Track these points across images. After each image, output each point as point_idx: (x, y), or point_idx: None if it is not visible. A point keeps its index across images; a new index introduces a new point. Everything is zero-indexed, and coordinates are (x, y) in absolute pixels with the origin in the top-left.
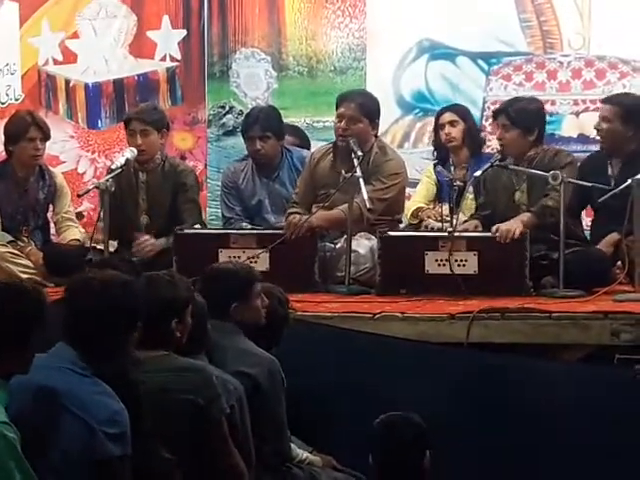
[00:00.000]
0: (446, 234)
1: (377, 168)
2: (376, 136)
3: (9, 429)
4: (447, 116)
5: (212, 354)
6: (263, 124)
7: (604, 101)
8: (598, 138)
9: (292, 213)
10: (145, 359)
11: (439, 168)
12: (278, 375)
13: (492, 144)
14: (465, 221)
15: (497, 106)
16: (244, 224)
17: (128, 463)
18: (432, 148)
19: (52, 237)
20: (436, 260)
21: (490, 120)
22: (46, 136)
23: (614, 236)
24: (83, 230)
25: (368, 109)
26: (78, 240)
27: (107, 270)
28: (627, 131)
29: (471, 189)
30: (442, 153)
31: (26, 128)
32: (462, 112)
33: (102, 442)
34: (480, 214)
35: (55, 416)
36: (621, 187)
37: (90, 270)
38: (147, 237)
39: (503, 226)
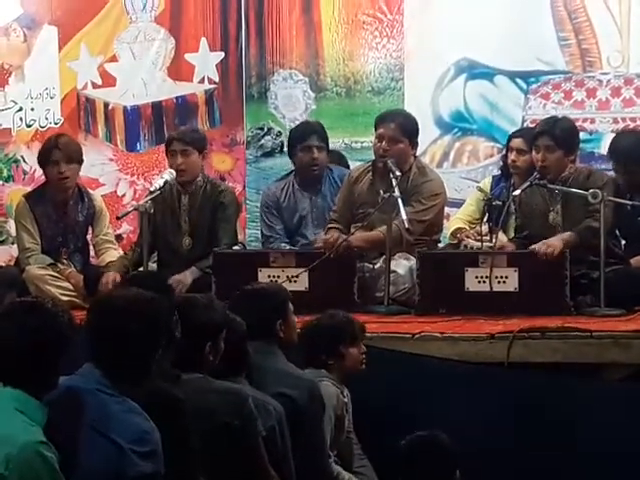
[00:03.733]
0: (487, 250)
1: (416, 188)
2: (415, 156)
3: (48, 449)
4: (517, 143)
5: (252, 376)
6: (320, 135)
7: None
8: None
9: (331, 229)
10: (181, 381)
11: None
12: (318, 396)
13: None
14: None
15: (536, 126)
16: (282, 245)
17: None
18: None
19: (91, 259)
20: (476, 277)
21: None
22: (71, 158)
23: None
24: (122, 252)
25: (408, 129)
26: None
27: (132, 288)
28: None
29: (512, 209)
30: (507, 171)
31: (49, 151)
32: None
33: (132, 461)
34: (518, 236)
35: (83, 436)
36: None
37: (115, 289)
38: (176, 277)
39: (543, 244)
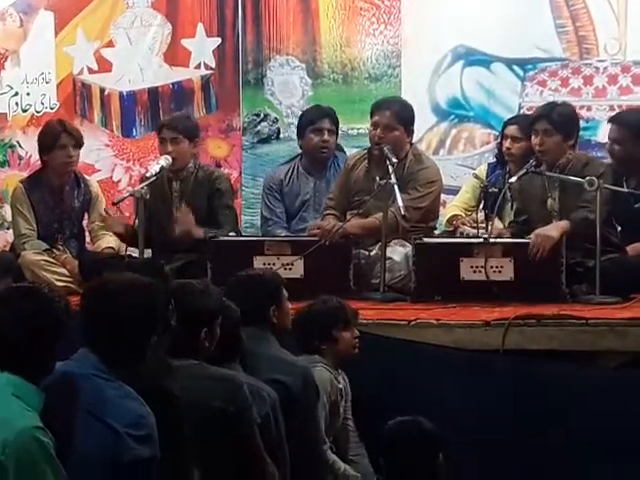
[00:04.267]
0: (481, 240)
1: (412, 176)
2: (411, 143)
3: (44, 434)
4: (512, 130)
5: (246, 362)
6: (333, 119)
7: (611, 121)
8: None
9: (327, 216)
10: (175, 368)
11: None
12: (312, 383)
13: None
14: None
15: (534, 112)
16: (280, 230)
17: (157, 466)
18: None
19: (87, 245)
20: (471, 267)
21: None
22: (78, 143)
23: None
24: (117, 238)
25: (403, 116)
26: (112, 248)
27: (127, 273)
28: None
29: (508, 195)
30: (500, 159)
31: (57, 136)
32: (527, 128)
33: (128, 445)
34: (517, 220)
35: (79, 421)
36: None
37: (107, 273)
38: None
39: (540, 233)
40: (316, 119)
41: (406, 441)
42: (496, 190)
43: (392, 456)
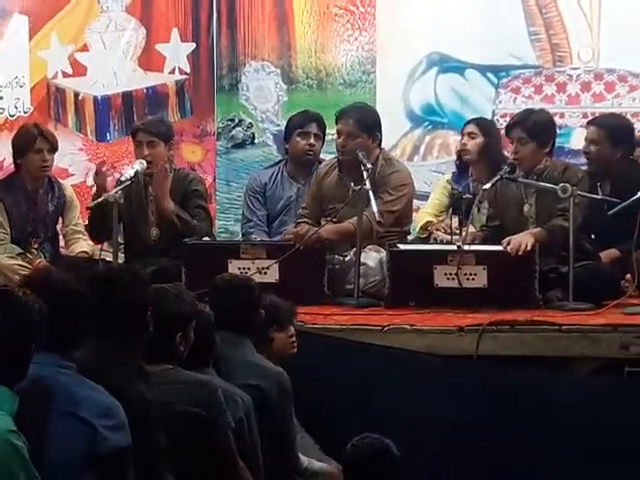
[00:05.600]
0: (455, 248)
1: (384, 180)
2: (380, 148)
3: (18, 437)
4: (469, 127)
5: (220, 367)
6: (320, 124)
7: (590, 123)
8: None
9: (300, 224)
10: (150, 373)
11: (448, 177)
12: (287, 387)
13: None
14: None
15: (508, 120)
16: (259, 234)
17: (130, 454)
18: (442, 161)
19: (61, 249)
20: (445, 274)
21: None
22: (53, 147)
23: (614, 252)
24: (92, 243)
25: (366, 124)
26: (86, 252)
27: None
28: (615, 152)
29: (486, 203)
30: (462, 164)
31: (33, 140)
32: (485, 126)
33: (103, 436)
34: (488, 225)
35: (52, 422)
36: (632, 199)
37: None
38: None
39: (515, 239)
40: (303, 123)
41: (368, 463)
42: (471, 196)
43: (352, 473)
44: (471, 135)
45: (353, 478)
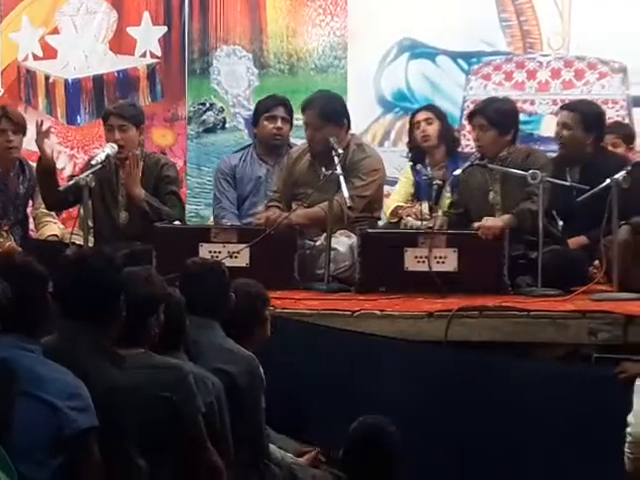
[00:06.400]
0: (426, 230)
1: (355, 165)
2: (351, 134)
3: None
4: (422, 114)
5: (191, 351)
6: (287, 108)
7: (563, 108)
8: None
9: (271, 207)
10: (124, 357)
11: (418, 167)
12: (257, 372)
13: (470, 143)
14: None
15: (472, 107)
16: (229, 217)
17: (96, 435)
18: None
19: (31, 232)
20: (415, 257)
21: None
22: (18, 128)
23: (582, 239)
24: (62, 226)
25: (330, 113)
26: (56, 236)
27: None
28: (587, 138)
29: (449, 188)
30: (417, 154)
31: None
32: (437, 111)
33: (69, 418)
34: (451, 212)
35: (18, 403)
36: (601, 186)
37: None
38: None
39: (485, 224)
40: (270, 107)
41: (369, 443)
42: (441, 182)
43: (352, 454)
44: (428, 121)
45: (352, 456)
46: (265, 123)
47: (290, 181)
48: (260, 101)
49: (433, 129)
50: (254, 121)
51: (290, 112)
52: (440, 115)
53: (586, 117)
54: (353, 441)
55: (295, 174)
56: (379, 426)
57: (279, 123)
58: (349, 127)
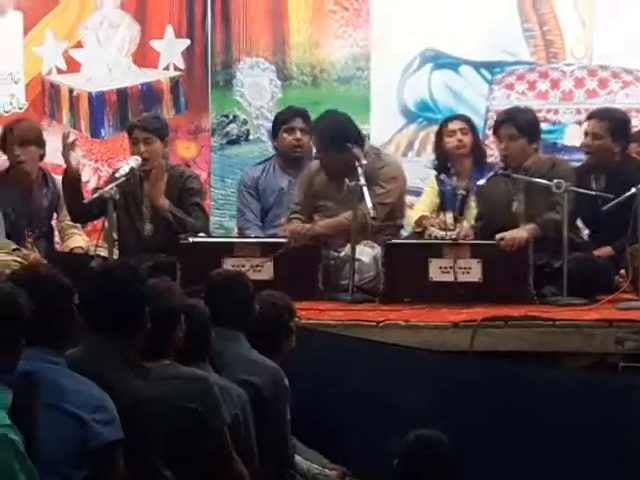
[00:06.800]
0: (450, 241)
1: (374, 173)
2: (367, 144)
3: (12, 431)
4: (457, 123)
5: (216, 362)
6: (305, 119)
7: (592, 116)
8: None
9: (293, 219)
10: (149, 369)
11: (442, 176)
12: (282, 383)
13: (493, 153)
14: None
15: (499, 117)
16: (253, 230)
17: (122, 448)
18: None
19: (56, 245)
20: (440, 267)
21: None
22: (23, 141)
23: (608, 249)
24: (87, 238)
25: (342, 136)
26: (82, 248)
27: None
28: (615, 146)
29: (474, 198)
30: (443, 162)
31: (4, 136)
32: (470, 122)
33: (95, 431)
34: (476, 225)
35: (43, 415)
36: (627, 195)
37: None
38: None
39: (508, 234)
40: (288, 119)
41: (428, 457)
42: (465, 192)
43: (408, 467)
44: (463, 131)
45: (409, 471)
46: (284, 135)
47: (310, 193)
48: (278, 113)
49: (468, 139)
50: (273, 134)
51: (309, 122)
52: (473, 126)
53: (615, 126)
54: (409, 454)
55: (315, 187)
56: (437, 440)
57: (298, 134)
58: (359, 144)
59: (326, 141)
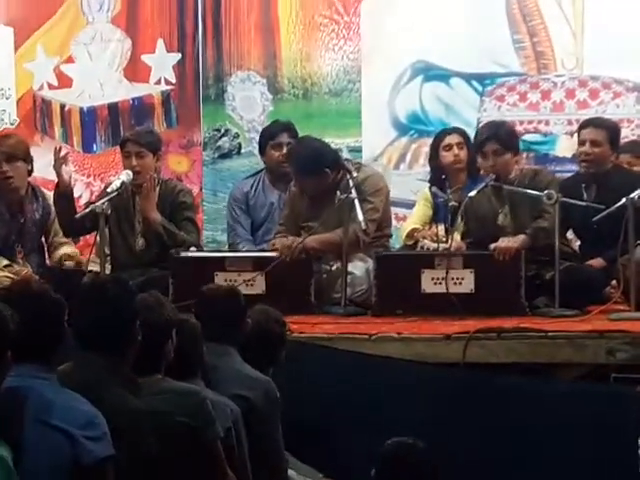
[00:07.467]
0: (442, 251)
1: (359, 186)
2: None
3: (2, 448)
4: (455, 138)
5: (208, 377)
6: (292, 132)
7: (587, 124)
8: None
9: (280, 232)
10: (141, 384)
11: (434, 189)
12: (274, 397)
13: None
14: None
15: (480, 135)
16: (244, 244)
17: (113, 464)
18: (428, 169)
19: (48, 261)
20: (432, 278)
21: None
22: (9, 157)
23: (599, 261)
24: (77, 250)
25: (307, 168)
26: (70, 256)
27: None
28: (612, 154)
29: (463, 209)
30: (438, 175)
31: None
32: (466, 135)
33: (86, 447)
34: (467, 241)
35: (31, 431)
36: (617, 205)
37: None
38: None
39: (500, 244)
40: (275, 134)
41: (403, 465)
42: (457, 204)
43: (386, 473)
44: (459, 145)
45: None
46: (272, 152)
47: (293, 216)
48: (264, 129)
49: (464, 153)
50: (260, 149)
51: (295, 136)
52: (468, 140)
53: (612, 134)
54: (384, 461)
55: (298, 208)
56: (410, 445)
57: (285, 149)
58: (336, 169)
59: (302, 167)
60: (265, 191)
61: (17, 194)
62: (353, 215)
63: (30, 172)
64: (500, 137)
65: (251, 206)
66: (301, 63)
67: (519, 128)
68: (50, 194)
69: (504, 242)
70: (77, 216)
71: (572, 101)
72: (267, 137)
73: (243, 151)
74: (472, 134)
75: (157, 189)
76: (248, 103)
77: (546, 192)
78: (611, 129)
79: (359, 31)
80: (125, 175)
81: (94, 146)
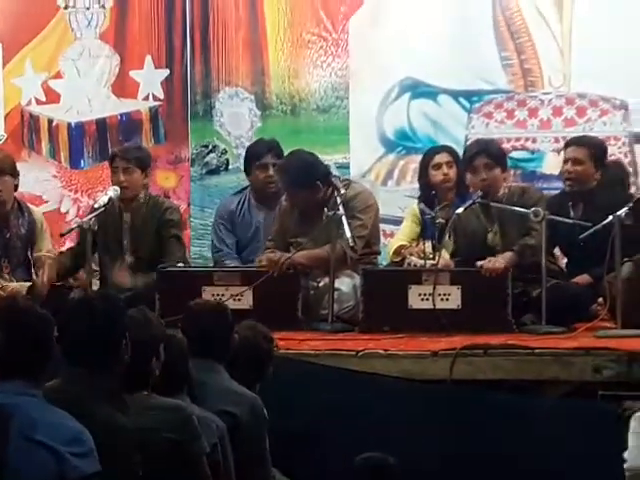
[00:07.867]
0: (430, 267)
1: (348, 204)
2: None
3: None
4: (444, 157)
5: (195, 393)
6: (277, 152)
7: (571, 143)
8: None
9: (269, 248)
10: (127, 400)
11: (422, 205)
12: (261, 413)
13: None
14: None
15: (468, 151)
16: (230, 261)
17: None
18: (415, 186)
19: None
20: (419, 294)
21: None
22: None
23: (585, 277)
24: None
25: (298, 182)
26: (50, 253)
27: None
28: (596, 172)
29: (451, 226)
30: (427, 192)
31: None
32: (455, 154)
33: (71, 464)
34: (456, 260)
35: (16, 447)
36: (604, 223)
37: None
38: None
39: (488, 264)
40: (260, 155)
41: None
42: (444, 221)
43: None
44: (449, 164)
45: None
46: (257, 173)
47: (283, 230)
48: (249, 148)
49: (454, 172)
50: (246, 169)
51: (280, 155)
52: (458, 158)
53: (596, 152)
54: (356, 476)
55: (287, 224)
56: (381, 460)
57: (271, 171)
58: (327, 183)
59: (294, 180)
60: (251, 210)
61: (3, 209)
62: (341, 232)
63: (16, 187)
64: (490, 152)
65: (237, 225)
66: (289, 79)
67: (506, 145)
68: (36, 209)
69: (491, 261)
70: (63, 232)
71: (559, 119)
72: (252, 157)
73: (231, 167)
74: (460, 151)
75: (144, 206)
76: (236, 119)
77: (533, 209)
78: (595, 147)
79: (347, 48)
80: (113, 191)
81: (82, 162)
